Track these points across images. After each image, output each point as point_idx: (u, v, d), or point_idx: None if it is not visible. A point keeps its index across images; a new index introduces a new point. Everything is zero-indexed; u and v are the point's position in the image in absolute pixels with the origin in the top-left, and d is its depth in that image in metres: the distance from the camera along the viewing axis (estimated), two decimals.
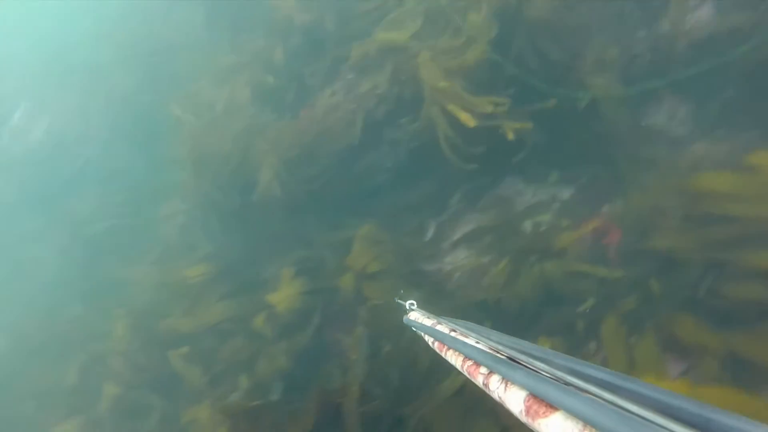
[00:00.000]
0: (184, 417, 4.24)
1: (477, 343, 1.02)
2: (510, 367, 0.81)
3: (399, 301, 1.91)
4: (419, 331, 1.50)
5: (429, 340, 1.35)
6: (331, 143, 4.51)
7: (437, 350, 1.24)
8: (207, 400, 4.20)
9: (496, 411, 2.59)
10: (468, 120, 3.43)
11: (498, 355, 0.90)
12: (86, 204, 8.86)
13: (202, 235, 5.98)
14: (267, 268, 4.95)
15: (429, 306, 1.60)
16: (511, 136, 3.29)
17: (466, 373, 1.01)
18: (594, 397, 0.61)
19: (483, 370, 0.92)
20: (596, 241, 2.98)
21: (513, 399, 0.76)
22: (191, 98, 7.01)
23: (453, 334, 1.17)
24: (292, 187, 4.78)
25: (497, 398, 0.83)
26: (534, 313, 3.15)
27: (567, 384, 0.67)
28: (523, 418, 0.72)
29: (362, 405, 2.47)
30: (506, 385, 0.80)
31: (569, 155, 3.52)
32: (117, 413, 4.97)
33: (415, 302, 1.77)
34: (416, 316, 1.60)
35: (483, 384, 0.90)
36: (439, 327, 1.28)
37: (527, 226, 3.43)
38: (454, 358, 1.10)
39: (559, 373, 0.70)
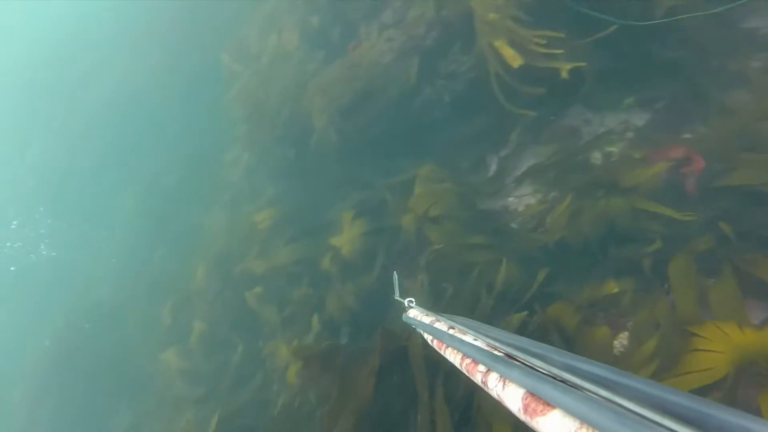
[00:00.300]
0: (263, 351, 4.66)
1: (475, 340, 1.03)
2: (507, 365, 0.81)
3: (397, 298, 1.90)
4: (418, 329, 1.50)
5: (428, 337, 1.35)
6: (382, 80, 4.37)
7: (436, 348, 1.25)
8: (282, 337, 4.57)
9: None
10: (514, 59, 3.18)
11: (495, 352, 0.90)
12: (158, 157, 9.40)
13: (266, 181, 6.21)
14: (329, 212, 5.08)
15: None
16: (565, 75, 3.01)
17: (464, 371, 1.02)
18: (591, 395, 0.61)
19: (481, 368, 0.93)
20: (673, 172, 2.74)
21: (511, 397, 0.77)
22: (239, 48, 7.02)
23: (451, 331, 1.18)
24: (347, 131, 4.76)
25: (495, 396, 0.83)
26: (598, 253, 3.03)
27: (564, 381, 0.67)
28: (522, 416, 0.72)
29: (426, 348, 2.56)
30: (504, 383, 0.81)
31: (645, 76, 3.18)
32: (205, 346, 5.54)
33: (413, 299, 1.77)
34: (415, 313, 1.60)
35: (481, 382, 0.91)
36: (437, 324, 1.29)
37: (595, 157, 3.21)
38: (452, 356, 1.11)
39: (556, 370, 0.70)
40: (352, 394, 2.77)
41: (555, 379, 0.69)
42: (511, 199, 3.47)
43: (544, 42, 3.10)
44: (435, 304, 3.24)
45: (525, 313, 2.94)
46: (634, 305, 2.65)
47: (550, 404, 0.67)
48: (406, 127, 4.46)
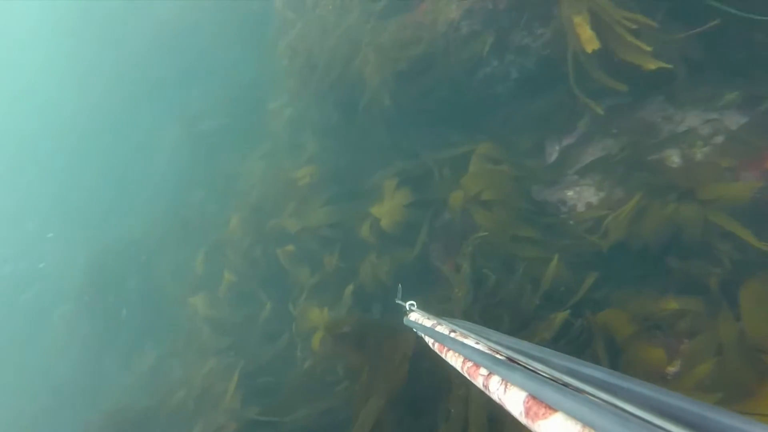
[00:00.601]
0: (292, 312, 4.68)
1: (477, 343, 1.03)
2: (509, 369, 0.82)
3: (399, 302, 1.92)
4: (419, 333, 1.51)
5: (429, 341, 1.36)
6: (447, 45, 4.10)
7: (437, 351, 1.25)
8: (312, 301, 4.57)
9: None
10: (590, 41, 2.87)
11: (497, 356, 0.91)
12: (201, 98, 9.35)
13: (309, 138, 6.10)
14: (371, 178, 4.95)
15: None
16: (652, 66, 2.71)
17: (466, 375, 1.01)
18: (593, 398, 0.62)
19: (483, 371, 0.93)
20: (766, 191, 2.47)
21: (513, 400, 0.77)
22: None
23: (453, 335, 1.18)
24: (400, 96, 4.54)
25: (497, 399, 0.83)
26: (658, 263, 2.82)
27: (566, 384, 0.68)
28: (523, 420, 0.72)
29: None
30: (506, 387, 0.81)
31: (748, 72, 2.84)
32: (234, 297, 5.62)
33: (414, 303, 1.80)
34: (416, 317, 1.61)
35: (483, 385, 0.91)
36: (438, 328, 1.30)
37: (672, 159, 2.94)
38: (454, 360, 1.11)
39: (558, 374, 0.71)
40: (384, 375, 2.72)
41: (557, 382, 0.70)
42: (569, 193, 3.24)
43: (634, 27, 2.78)
44: (473, 291, 3.11)
45: (567, 311, 2.80)
46: (695, 327, 2.46)
47: (552, 407, 0.67)
48: (463, 100, 4.21)
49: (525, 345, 0.91)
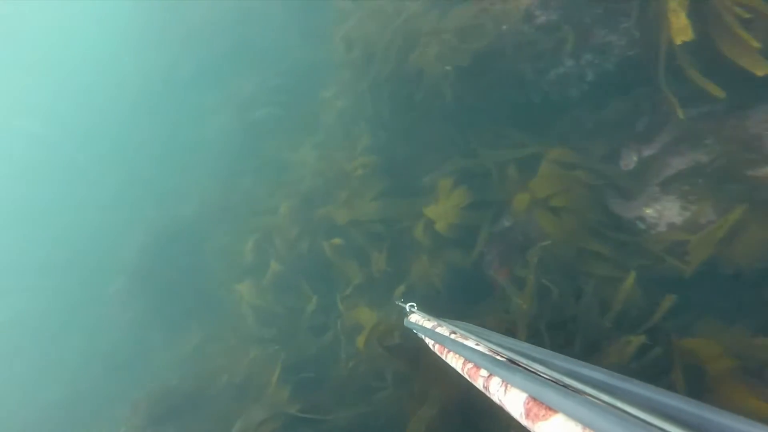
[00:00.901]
0: (339, 307, 4.60)
1: (477, 345, 1.04)
2: (510, 370, 0.82)
3: (399, 303, 1.92)
4: (419, 334, 1.52)
5: (429, 342, 1.36)
6: (517, 39, 3.85)
7: (437, 353, 1.25)
8: (359, 298, 4.48)
9: None
10: (682, 31, 2.56)
11: (497, 357, 0.91)
12: (254, 83, 9.40)
13: (363, 129, 5.99)
14: (426, 175, 4.79)
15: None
16: (760, 72, 2.38)
17: (466, 376, 1.01)
18: (593, 399, 0.62)
19: (483, 372, 0.93)
20: None
21: (513, 402, 0.77)
22: None
23: (453, 336, 1.19)
24: (462, 90, 4.34)
25: (497, 401, 0.84)
26: (752, 295, 2.52)
27: (566, 386, 0.68)
28: (524, 421, 0.73)
29: None
30: (506, 388, 0.81)
31: None
32: (281, 288, 5.61)
33: (415, 304, 1.79)
34: (417, 318, 1.62)
35: (483, 387, 0.91)
36: (439, 329, 1.31)
37: None
38: (454, 361, 1.11)
39: (558, 375, 0.71)
40: (439, 383, 2.57)
41: (557, 383, 0.70)
42: (648, 210, 2.95)
43: (748, 16, 2.46)
44: (538, 305, 2.90)
45: (643, 335, 2.56)
46: None
47: (552, 409, 0.67)
48: (530, 100, 3.96)
49: (525, 346, 0.90)
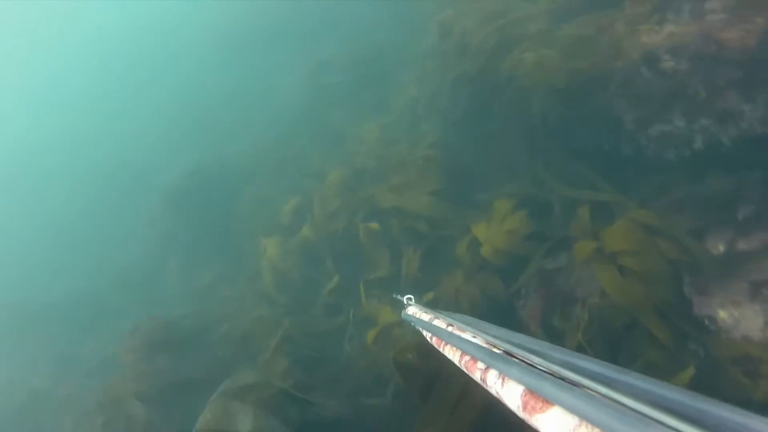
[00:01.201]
0: (358, 291, 4.46)
1: (474, 337, 1.03)
2: (506, 363, 0.82)
3: (396, 296, 1.91)
4: (417, 326, 1.50)
5: (427, 335, 1.35)
6: (626, 74, 3.50)
7: (435, 345, 1.24)
8: (380, 292, 4.32)
9: None
10: None
11: (494, 349, 0.91)
12: (333, 51, 9.25)
13: (433, 122, 5.76)
14: (485, 189, 4.54)
15: None
16: None
17: (463, 368, 1.01)
18: (590, 392, 0.62)
19: (480, 365, 0.92)
20: None
21: (510, 394, 0.77)
22: None
23: (450, 329, 1.18)
24: (553, 113, 4.04)
25: (494, 393, 0.85)
26: None
27: (562, 378, 0.68)
28: (521, 414, 0.73)
29: None
30: (503, 381, 0.81)
31: None
32: (305, 255, 5.50)
33: (412, 297, 1.78)
34: (414, 311, 1.59)
35: (480, 379, 0.91)
36: (436, 322, 1.30)
37: None
38: (451, 354, 1.10)
39: (555, 367, 0.71)
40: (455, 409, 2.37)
41: (554, 376, 0.70)
42: (723, 314, 2.60)
43: None
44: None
45: None
46: None
47: (549, 401, 0.67)
48: (621, 147, 3.63)
49: (522, 338, 0.89)
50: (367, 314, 4.20)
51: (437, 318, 1.35)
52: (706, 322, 2.59)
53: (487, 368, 0.90)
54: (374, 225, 4.84)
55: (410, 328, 3.81)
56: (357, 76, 8.16)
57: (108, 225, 10.76)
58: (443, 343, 1.19)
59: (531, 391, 0.72)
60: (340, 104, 8.03)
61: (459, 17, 5.95)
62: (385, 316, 3.89)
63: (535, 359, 0.77)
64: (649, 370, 2.58)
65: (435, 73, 6.04)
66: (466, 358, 1.02)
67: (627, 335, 2.72)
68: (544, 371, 0.73)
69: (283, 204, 6.42)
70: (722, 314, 2.53)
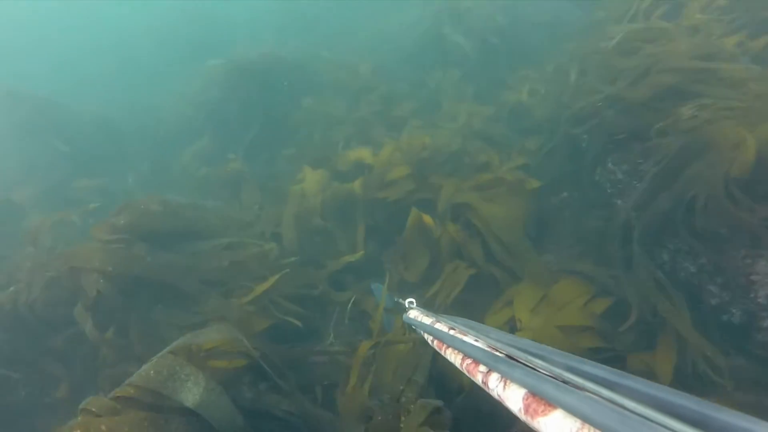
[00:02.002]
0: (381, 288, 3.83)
1: (476, 341, 1.06)
2: (508, 365, 0.84)
3: (398, 300, 2.02)
4: (419, 330, 1.54)
5: (428, 338, 1.39)
6: None
7: (437, 348, 1.26)
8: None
9: None
10: None
11: (497, 353, 0.93)
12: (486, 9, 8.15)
13: (542, 137, 4.93)
14: (552, 251, 3.79)
15: None
16: None
17: (465, 371, 1.02)
18: (592, 395, 0.62)
19: (482, 368, 0.94)
20: None
21: (512, 397, 0.78)
22: None
23: (452, 332, 1.21)
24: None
25: (496, 396, 0.85)
26: None
27: (565, 381, 0.69)
28: (523, 417, 0.74)
29: None
30: (505, 384, 0.83)
31: None
32: (339, 208, 4.85)
33: (414, 300, 1.87)
34: (415, 314, 1.62)
35: (482, 382, 0.92)
36: (437, 325, 1.33)
37: None
38: (453, 357, 1.13)
39: (557, 371, 0.72)
40: None
41: (556, 379, 0.71)
42: None
43: None
44: None
45: None
46: None
47: (551, 404, 0.67)
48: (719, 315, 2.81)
49: (524, 342, 0.89)
50: (369, 311, 3.60)
51: (439, 321, 1.35)
52: None
53: (489, 371, 0.90)
54: (428, 219, 4.12)
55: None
56: (497, 47, 7.15)
57: (169, 76, 10.14)
58: (445, 346, 1.19)
59: (533, 393, 0.72)
60: (461, 66, 7.10)
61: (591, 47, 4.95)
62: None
63: (538, 362, 0.77)
64: None
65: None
66: (468, 361, 1.02)
67: None
68: (547, 374, 0.73)
69: (347, 143, 5.73)
70: None
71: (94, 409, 2.08)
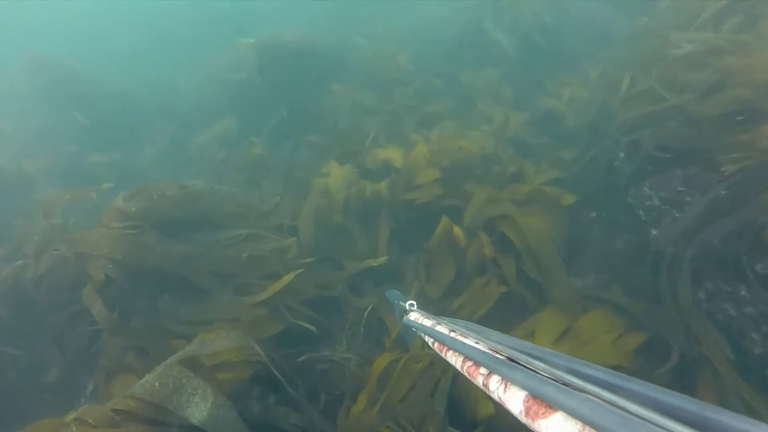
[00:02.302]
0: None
1: (476, 343, 1.05)
2: (509, 368, 0.83)
3: (399, 302, 1.94)
4: (419, 332, 1.53)
5: (429, 340, 1.37)
6: None
7: (437, 351, 1.26)
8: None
9: None
10: None
11: (497, 355, 0.93)
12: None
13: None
14: (582, 279, 3.52)
15: None
16: None
17: (466, 374, 1.02)
18: (593, 398, 0.62)
19: (483, 370, 0.94)
20: None
21: (513, 399, 0.78)
22: None
23: (452, 334, 1.21)
24: None
25: (497, 399, 0.85)
26: None
27: (566, 384, 0.69)
28: (523, 419, 0.73)
29: None
30: (506, 386, 0.82)
31: None
32: (365, 208, 4.61)
33: (414, 302, 1.82)
34: (416, 316, 1.62)
35: (483, 385, 0.92)
36: (438, 327, 1.33)
37: None
38: (453, 359, 1.12)
39: (559, 373, 0.72)
40: None
41: (557, 381, 0.71)
42: None
43: None
44: None
45: None
46: None
47: (552, 407, 0.68)
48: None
49: (525, 344, 0.90)
50: (387, 321, 3.38)
51: (439, 324, 1.35)
52: None
53: (489, 374, 0.90)
54: (459, 231, 3.86)
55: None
56: (539, 47, 6.80)
57: (196, 55, 9.90)
58: (445, 348, 1.19)
59: (534, 396, 0.72)
60: (499, 65, 6.76)
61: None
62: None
63: (539, 365, 0.78)
64: None
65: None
66: (469, 363, 1.02)
67: None
68: (548, 377, 0.73)
69: (376, 136, 5.47)
70: None
71: (90, 420, 1.90)
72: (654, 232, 3.59)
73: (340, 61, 7.54)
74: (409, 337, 3.20)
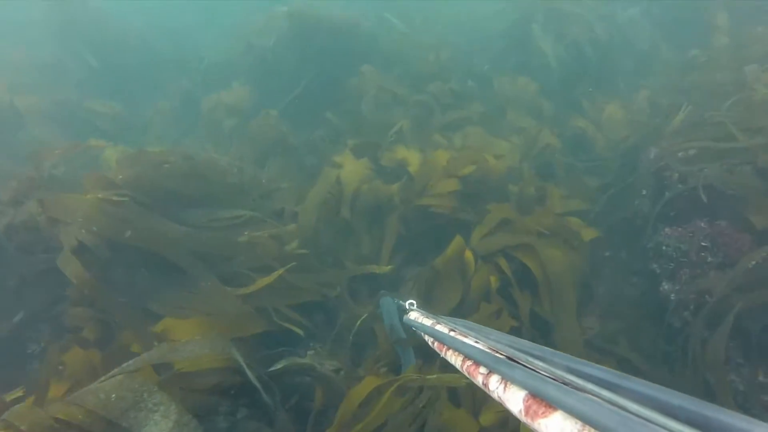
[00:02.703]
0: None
1: (476, 342, 1.04)
2: (509, 367, 0.83)
3: (399, 301, 2.06)
4: (419, 331, 1.57)
5: (429, 340, 1.39)
6: None
7: (437, 350, 1.27)
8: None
9: None
10: None
11: (497, 354, 0.92)
12: None
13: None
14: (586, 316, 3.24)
15: None
16: None
17: (465, 373, 1.02)
18: (593, 397, 0.61)
19: (482, 370, 0.93)
20: None
21: (512, 399, 0.77)
22: None
23: (452, 333, 1.20)
24: None
25: (497, 398, 0.84)
26: None
27: (566, 383, 0.68)
28: (523, 418, 0.72)
29: None
30: (506, 385, 0.82)
31: None
32: (372, 209, 4.31)
33: (414, 302, 1.87)
34: (416, 315, 1.66)
35: (482, 384, 0.92)
36: (438, 327, 1.33)
37: None
38: (453, 358, 1.12)
39: (558, 372, 0.71)
40: None
41: (556, 380, 0.70)
42: None
43: None
44: None
45: None
46: None
47: (551, 406, 0.67)
48: None
49: (525, 344, 0.89)
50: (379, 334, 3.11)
51: (439, 323, 1.35)
52: None
53: (489, 373, 0.89)
54: (469, 253, 3.55)
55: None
56: (584, 63, 6.42)
57: (227, 18, 9.46)
58: (445, 348, 1.18)
59: (533, 395, 0.72)
60: (537, 76, 6.40)
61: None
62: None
63: (538, 364, 0.77)
64: None
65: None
66: (468, 362, 1.01)
67: None
68: (547, 376, 0.72)
69: (400, 131, 5.15)
70: None
71: (23, 427, 1.63)
72: (666, 285, 3.32)
73: (374, 44, 7.16)
74: (408, 359, 2.95)
